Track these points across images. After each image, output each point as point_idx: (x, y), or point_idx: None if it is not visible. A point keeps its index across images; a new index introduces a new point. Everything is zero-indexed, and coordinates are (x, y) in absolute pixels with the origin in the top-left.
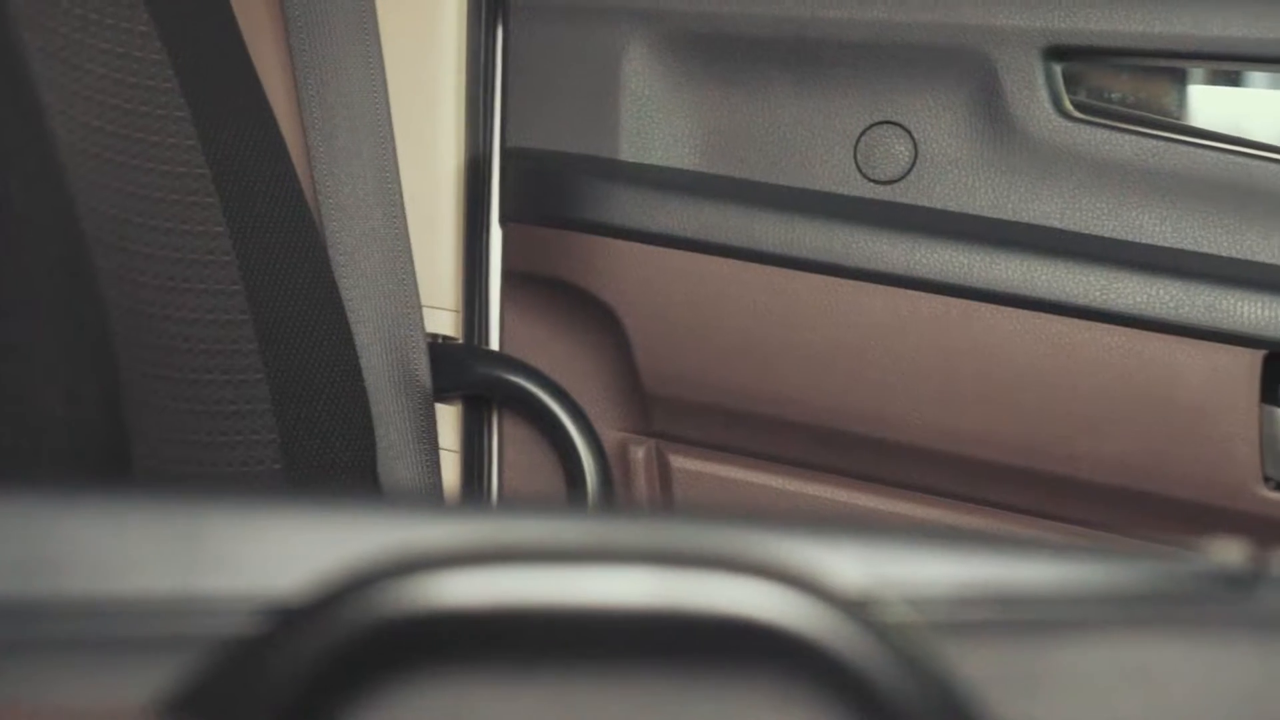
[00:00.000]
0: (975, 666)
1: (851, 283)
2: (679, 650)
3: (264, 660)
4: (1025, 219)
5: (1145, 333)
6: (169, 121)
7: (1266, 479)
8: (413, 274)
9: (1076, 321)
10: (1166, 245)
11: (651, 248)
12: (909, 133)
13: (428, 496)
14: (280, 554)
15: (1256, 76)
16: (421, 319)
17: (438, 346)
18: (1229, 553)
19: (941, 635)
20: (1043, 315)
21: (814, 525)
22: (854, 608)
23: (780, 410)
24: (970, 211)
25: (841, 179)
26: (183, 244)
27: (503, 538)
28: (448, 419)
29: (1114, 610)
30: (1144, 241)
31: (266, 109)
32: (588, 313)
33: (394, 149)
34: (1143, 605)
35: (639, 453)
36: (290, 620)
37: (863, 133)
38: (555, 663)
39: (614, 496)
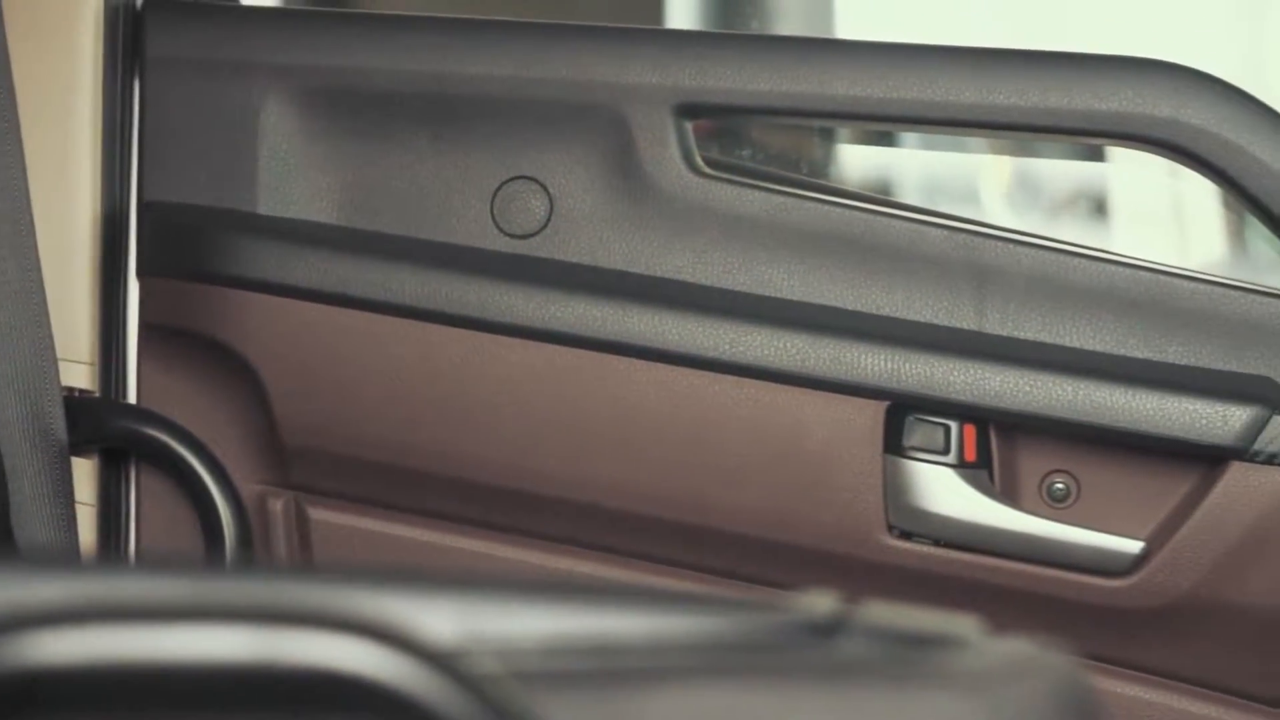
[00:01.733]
0: (564, 716)
1: (488, 336)
2: (276, 706)
3: None
4: (658, 273)
5: (773, 385)
6: None
7: (891, 527)
8: (48, 326)
9: (707, 374)
10: (794, 299)
11: (289, 301)
12: (544, 188)
13: (43, 554)
14: None
15: (905, 136)
16: (57, 372)
17: (74, 400)
18: (817, 603)
19: (532, 686)
20: (674, 368)
21: (412, 579)
22: (443, 660)
23: (420, 462)
24: (604, 265)
25: (479, 233)
26: None
27: (108, 596)
28: (85, 474)
29: (701, 659)
30: (773, 295)
31: None
32: (227, 366)
33: (28, 201)
34: (729, 654)
35: (277, 505)
36: None
37: (499, 188)
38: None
39: (251, 550)
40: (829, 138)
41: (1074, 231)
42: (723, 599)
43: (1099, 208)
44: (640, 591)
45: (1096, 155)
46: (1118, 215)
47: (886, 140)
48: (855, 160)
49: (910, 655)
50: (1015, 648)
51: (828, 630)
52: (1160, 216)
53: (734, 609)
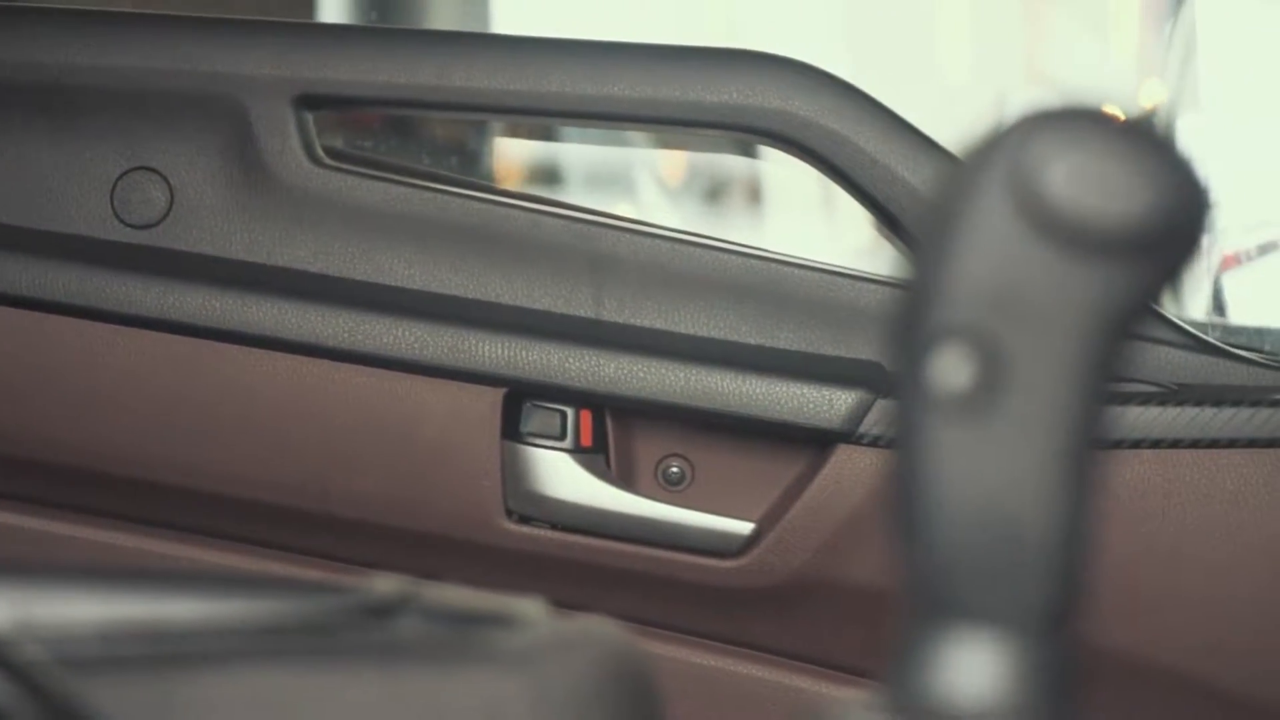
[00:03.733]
0: (114, 701)
1: (108, 326)
2: None
3: None
4: (278, 263)
5: (392, 373)
6: None
7: (509, 512)
8: None
9: (326, 363)
10: (414, 288)
11: None
12: (165, 178)
13: None
14: None
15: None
16: None
17: None
18: (382, 585)
19: (82, 672)
20: (294, 357)
21: None
22: None
23: (38, 452)
24: (225, 256)
25: (98, 224)
26: None
27: None
28: None
29: (255, 642)
30: (392, 285)
31: None
32: None
33: None
34: (284, 637)
35: None
36: None
37: (119, 178)
38: None
39: None
40: (504, 133)
41: (730, 222)
42: (287, 582)
43: (756, 198)
44: (200, 577)
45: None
46: (781, 207)
47: (553, 135)
48: (520, 154)
49: (465, 635)
50: (574, 626)
51: (385, 612)
52: (818, 207)
53: (296, 592)
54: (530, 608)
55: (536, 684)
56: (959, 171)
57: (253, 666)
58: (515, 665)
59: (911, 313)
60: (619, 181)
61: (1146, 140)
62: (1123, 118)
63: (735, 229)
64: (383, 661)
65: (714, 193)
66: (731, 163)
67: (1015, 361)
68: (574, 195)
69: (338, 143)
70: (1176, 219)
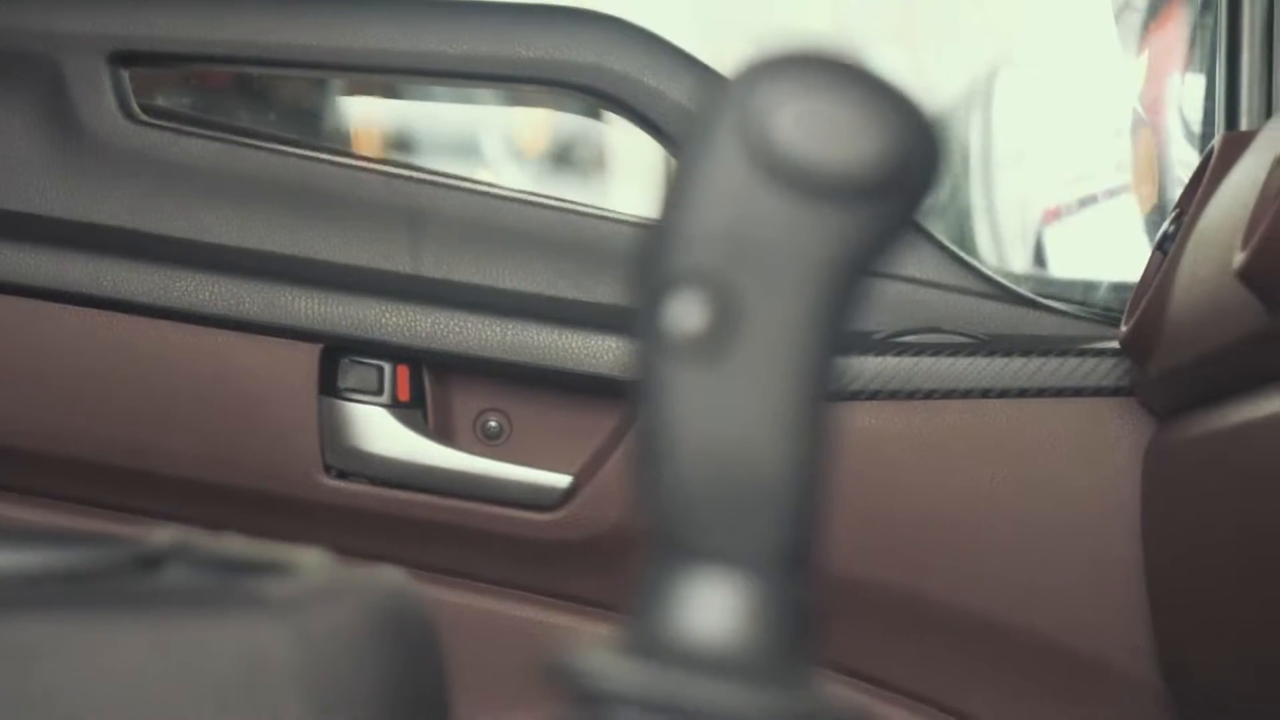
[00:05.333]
0: None
1: None
2: None
3: None
4: (96, 220)
5: (208, 329)
6: None
7: (327, 468)
8: None
9: (142, 319)
10: (231, 245)
11: None
12: None
13: None
14: None
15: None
16: None
17: None
18: (156, 536)
19: None
20: (109, 314)
21: None
22: None
23: None
24: (41, 213)
25: None
26: None
27: None
28: None
29: (21, 591)
30: (210, 241)
31: None
32: None
33: None
34: (52, 586)
35: None
36: None
37: None
38: None
39: None
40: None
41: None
42: (63, 534)
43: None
44: None
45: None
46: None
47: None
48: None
49: (232, 583)
50: (351, 574)
51: (154, 562)
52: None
53: (70, 544)
54: (310, 557)
55: (302, 630)
56: (694, 119)
57: (15, 615)
58: (281, 612)
59: (648, 257)
60: (475, 150)
61: (876, 86)
62: (854, 64)
63: (595, 197)
64: (145, 610)
65: (573, 160)
66: (598, 131)
67: (749, 306)
68: (429, 163)
69: (186, 103)
70: (906, 164)
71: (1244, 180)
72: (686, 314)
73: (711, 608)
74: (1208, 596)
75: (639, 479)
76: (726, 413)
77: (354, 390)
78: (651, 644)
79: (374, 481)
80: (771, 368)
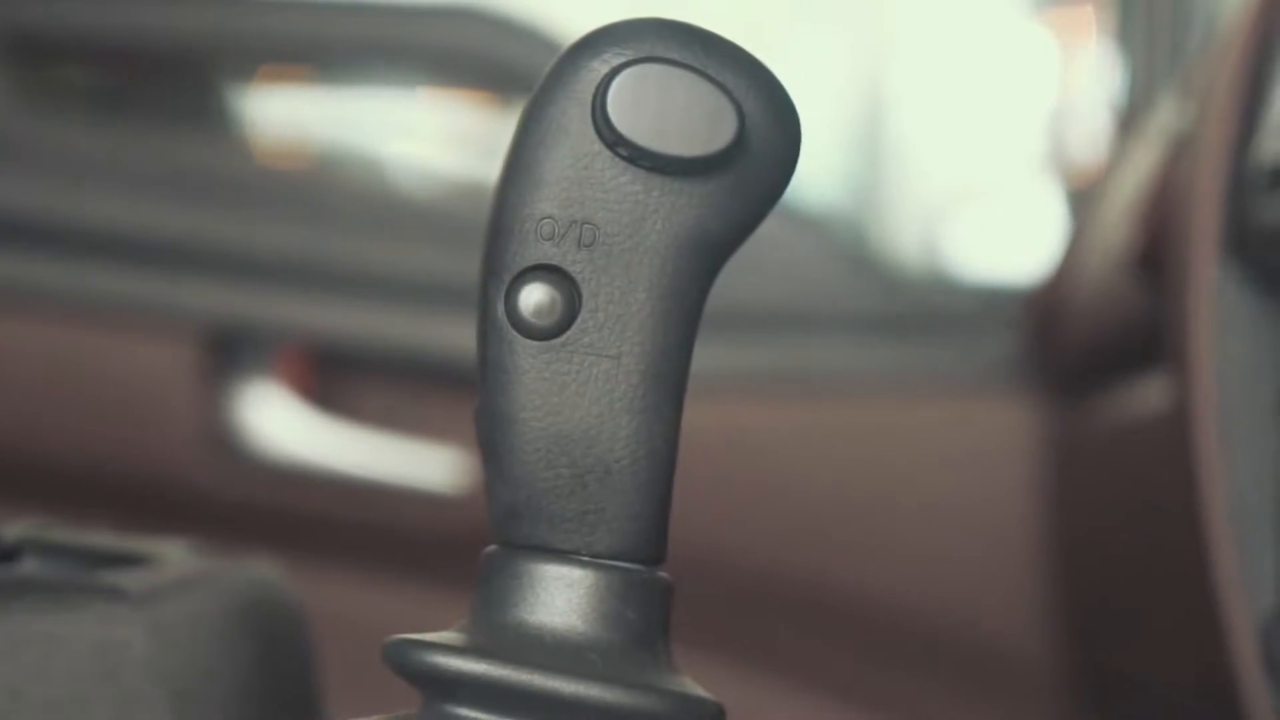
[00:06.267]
0: None
1: None
2: None
3: None
4: None
5: (90, 318)
6: None
7: (217, 457)
8: None
9: (19, 311)
10: (111, 230)
11: None
12: None
13: None
14: None
15: None
16: None
17: None
18: (9, 530)
19: None
20: None
21: None
22: None
23: None
24: None
25: None
26: None
27: None
28: None
29: None
30: (90, 227)
31: None
32: None
33: None
34: None
35: None
36: None
37: None
38: None
39: None
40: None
41: None
42: None
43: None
44: None
45: None
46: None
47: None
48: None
49: (86, 576)
50: (212, 565)
51: (7, 555)
52: None
53: None
54: (173, 549)
55: (154, 621)
56: (534, 95)
57: None
58: (135, 604)
59: (492, 241)
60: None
61: (724, 55)
62: (707, 37)
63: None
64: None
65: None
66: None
67: (590, 287)
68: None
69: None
70: (752, 138)
71: (1139, 161)
72: (527, 296)
73: (557, 601)
74: (1111, 583)
75: (483, 468)
76: (571, 400)
77: (244, 377)
78: (493, 637)
79: (267, 469)
80: (616, 352)
